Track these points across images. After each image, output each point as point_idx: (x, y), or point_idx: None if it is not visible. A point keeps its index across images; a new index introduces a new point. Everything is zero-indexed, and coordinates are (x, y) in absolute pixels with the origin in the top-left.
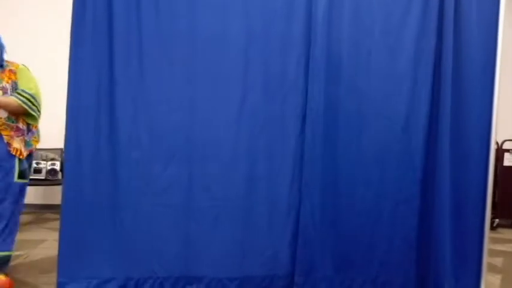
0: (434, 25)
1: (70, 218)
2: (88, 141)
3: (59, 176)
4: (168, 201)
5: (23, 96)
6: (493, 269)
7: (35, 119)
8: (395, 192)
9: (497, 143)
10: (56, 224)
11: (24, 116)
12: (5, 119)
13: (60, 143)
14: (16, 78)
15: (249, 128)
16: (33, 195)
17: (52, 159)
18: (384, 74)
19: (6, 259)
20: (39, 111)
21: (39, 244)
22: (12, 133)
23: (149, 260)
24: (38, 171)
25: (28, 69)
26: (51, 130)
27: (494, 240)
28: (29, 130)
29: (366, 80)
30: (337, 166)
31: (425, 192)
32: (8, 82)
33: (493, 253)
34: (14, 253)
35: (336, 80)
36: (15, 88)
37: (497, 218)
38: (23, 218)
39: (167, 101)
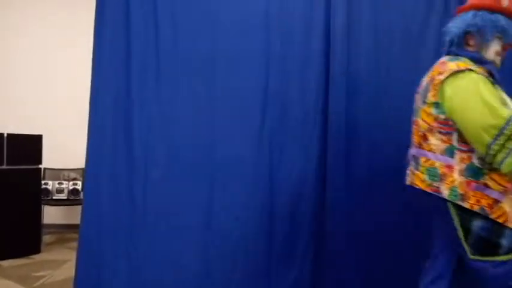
0: None
1: (88, 239)
2: (106, 161)
3: (81, 195)
4: (186, 223)
5: None
6: None
7: None
8: (418, 206)
9: None
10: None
11: None
12: None
13: (81, 163)
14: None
15: (270, 147)
16: (55, 215)
17: (74, 179)
18: (404, 89)
19: None
20: None
21: (62, 264)
22: None
23: (166, 284)
24: (60, 191)
25: None
26: (73, 150)
27: None
28: None
29: (386, 96)
30: (360, 186)
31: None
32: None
33: None
34: (37, 274)
35: (356, 97)
36: None
37: None
38: (46, 238)
39: (186, 120)
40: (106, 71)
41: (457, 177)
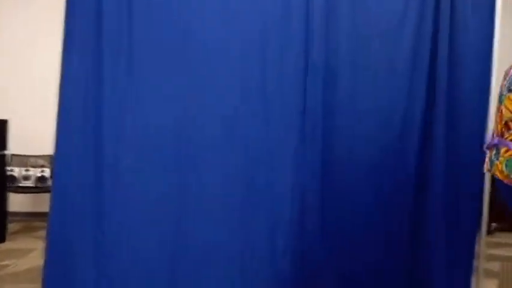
0: (430, 34)
1: (57, 229)
2: (76, 149)
3: (49, 183)
4: (157, 215)
5: None
6: (490, 274)
7: None
8: (392, 199)
9: None
10: (45, 233)
11: None
12: None
13: (49, 149)
14: None
15: (246, 137)
16: (21, 203)
17: (42, 166)
18: (381, 81)
19: None
20: None
21: (28, 253)
22: None
23: (135, 278)
24: (26, 178)
25: None
26: (41, 136)
27: (492, 245)
28: None
29: (363, 87)
30: (336, 175)
31: (420, 197)
32: None
33: (490, 258)
34: (1, 263)
35: (334, 89)
36: None
37: (494, 222)
38: (11, 226)
39: (159, 108)
40: (76, 56)
41: None
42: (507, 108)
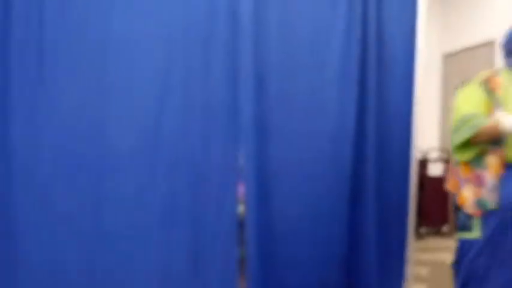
0: (358, 37)
1: None
2: None
3: None
4: (72, 229)
5: None
6: (418, 278)
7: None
8: (326, 205)
9: (424, 153)
10: None
11: None
12: None
13: None
14: None
15: (169, 144)
16: None
17: None
18: (311, 86)
19: None
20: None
21: None
22: None
23: (49, 278)
24: None
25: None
26: None
27: (421, 249)
28: None
29: (294, 93)
30: (270, 184)
31: (353, 203)
32: None
33: (419, 262)
34: None
35: (264, 94)
36: None
37: (423, 227)
38: None
39: (73, 113)
40: None
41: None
42: None
